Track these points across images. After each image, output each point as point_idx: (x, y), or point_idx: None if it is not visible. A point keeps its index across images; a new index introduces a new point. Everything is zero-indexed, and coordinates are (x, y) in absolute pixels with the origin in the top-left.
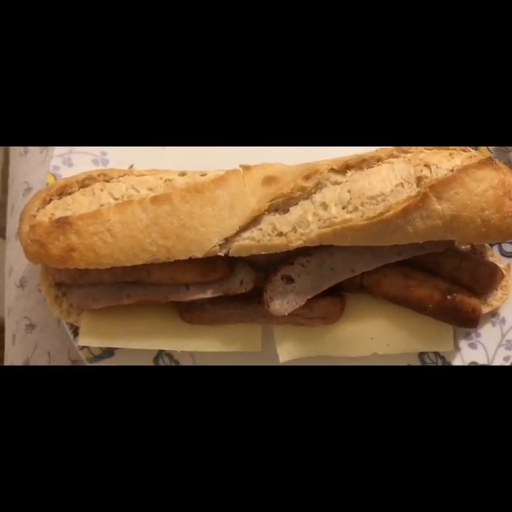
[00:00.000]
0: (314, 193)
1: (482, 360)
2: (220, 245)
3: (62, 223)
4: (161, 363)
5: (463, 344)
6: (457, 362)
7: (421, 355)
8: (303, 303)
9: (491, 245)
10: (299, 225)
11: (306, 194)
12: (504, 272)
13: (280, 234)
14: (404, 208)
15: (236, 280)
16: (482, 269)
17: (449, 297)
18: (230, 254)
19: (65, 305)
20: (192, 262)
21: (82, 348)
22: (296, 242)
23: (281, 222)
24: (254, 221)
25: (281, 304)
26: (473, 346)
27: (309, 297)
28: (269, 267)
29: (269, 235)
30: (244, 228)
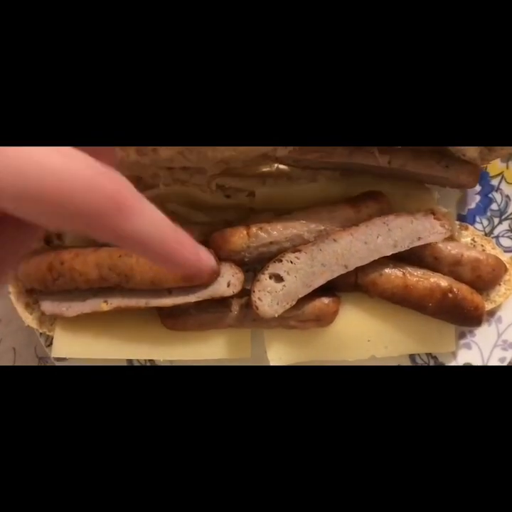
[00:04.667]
0: None
1: (477, 361)
2: None
3: None
4: (135, 363)
5: (457, 344)
6: (451, 363)
7: (412, 355)
8: (294, 303)
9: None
10: None
11: None
12: (507, 265)
13: None
14: None
15: (223, 282)
16: (484, 263)
17: (450, 295)
18: None
19: (36, 313)
20: None
21: (49, 345)
22: None
23: None
24: None
25: (270, 305)
26: (467, 346)
27: (301, 296)
28: (257, 267)
29: None
30: None
